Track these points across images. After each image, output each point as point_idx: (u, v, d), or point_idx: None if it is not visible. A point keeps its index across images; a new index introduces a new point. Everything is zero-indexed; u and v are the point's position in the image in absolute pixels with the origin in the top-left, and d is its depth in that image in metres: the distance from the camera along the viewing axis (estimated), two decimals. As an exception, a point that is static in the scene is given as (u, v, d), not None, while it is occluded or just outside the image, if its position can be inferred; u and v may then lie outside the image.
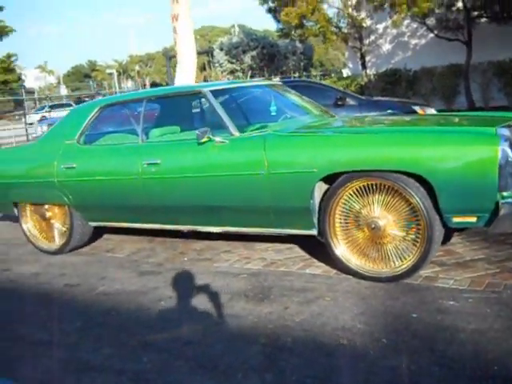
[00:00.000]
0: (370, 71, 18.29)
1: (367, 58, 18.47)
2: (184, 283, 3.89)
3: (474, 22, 14.75)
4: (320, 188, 3.57)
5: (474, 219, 3.18)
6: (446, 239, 3.74)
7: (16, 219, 5.54)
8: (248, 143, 3.86)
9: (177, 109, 5.17)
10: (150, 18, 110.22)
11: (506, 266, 3.49)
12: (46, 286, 4.18)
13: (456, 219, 3.22)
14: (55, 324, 3.43)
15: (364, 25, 17.69)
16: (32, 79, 64.19)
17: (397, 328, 2.84)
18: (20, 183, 5.05)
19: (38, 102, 34.15)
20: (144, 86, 42.01)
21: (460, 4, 14.70)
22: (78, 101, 33.76)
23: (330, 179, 3.51)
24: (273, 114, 4.44)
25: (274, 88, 5.18)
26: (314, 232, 3.71)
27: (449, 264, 3.64)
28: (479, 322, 2.79)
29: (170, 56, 18.93)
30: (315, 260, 4.02)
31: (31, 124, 19.69)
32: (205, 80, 30.76)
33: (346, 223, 3.57)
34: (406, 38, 18.00)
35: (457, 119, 4.30)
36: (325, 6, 17.76)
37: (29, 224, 5.22)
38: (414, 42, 17.84)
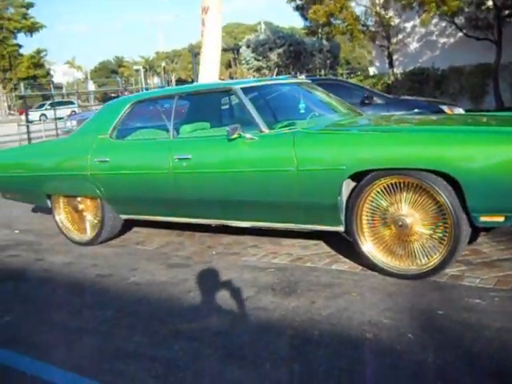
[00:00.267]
0: (397, 70, 18.17)
1: (394, 57, 18.36)
2: (212, 276, 3.98)
3: (505, 20, 14.54)
4: (348, 185, 3.63)
5: (501, 219, 3.21)
6: (473, 239, 3.76)
7: (48, 211, 5.71)
8: (277, 140, 3.93)
9: (207, 105, 5.27)
10: (177, 15, 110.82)
11: (533, 266, 3.51)
12: (78, 276, 4.32)
13: (483, 218, 3.24)
14: (88, 312, 3.56)
15: (392, 23, 17.59)
16: (60, 74, 65.08)
17: (422, 324, 2.89)
18: (54, 176, 5.19)
19: (65, 97, 34.65)
20: (169, 82, 42.30)
21: (490, 3, 14.51)
22: (105, 96, 34.17)
23: (357, 177, 3.57)
24: (301, 111, 4.50)
25: (303, 86, 5.23)
26: (341, 228, 3.76)
27: (475, 263, 3.67)
28: (505, 320, 2.82)
29: (195, 53, 19.10)
30: (341, 256, 4.08)
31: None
32: (230, 77, 30.88)
33: (373, 220, 3.62)
34: (434, 37, 17.82)
35: (485, 119, 4.31)
36: (352, 4, 17.73)
37: (61, 216, 5.37)
38: (442, 40, 17.66)
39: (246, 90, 4.35)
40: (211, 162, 4.24)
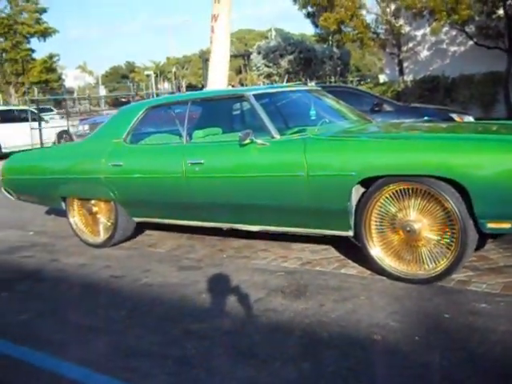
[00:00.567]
0: (408, 78, 18.24)
1: (405, 65, 18.44)
2: (223, 278, 4.06)
3: (515, 29, 14.61)
4: (357, 191, 3.70)
5: (508, 225, 3.27)
6: (480, 246, 3.81)
7: (62, 213, 5.83)
8: (289, 146, 4.02)
9: (219, 111, 5.38)
10: (186, 20, 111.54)
11: (539, 272, 3.56)
12: (92, 276, 4.42)
13: (490, 225, 3.30)
14: (102, 311, 3.65)
15: (402, 31, 17.68)
16: (72, 79, 65.65)
17: (429, 327, 2.96)
18: (69, 179, 5.30)
19: (77, 102, 34.91)
20: (180, 87, 42.51)
21: (501, 11, 14.58)
22: (116, 101, 34.36)
23: (367, 183, 3.64)
24: (312, 118, 4.58)
25: (313, 93, 5.33)
26: (351, 233, 3.84)
27: (482, 269, 3.73)
28: (510, 324, 2.88)
29: (205, 58, 19.24)
30: (350, 261, 4.14)
31: None
32: (240, 83, 31.02)
33: (382, 226, 3.69)
34: (444, 46, 17.90)
35: (495, 127, 4.37)
36: (363, 12, 17.85)
37: (75, 218, 5.48)
38: (452, 49, 17.73)
39: (257, 97, 4.44)
40: (223, 167, 4.33)
